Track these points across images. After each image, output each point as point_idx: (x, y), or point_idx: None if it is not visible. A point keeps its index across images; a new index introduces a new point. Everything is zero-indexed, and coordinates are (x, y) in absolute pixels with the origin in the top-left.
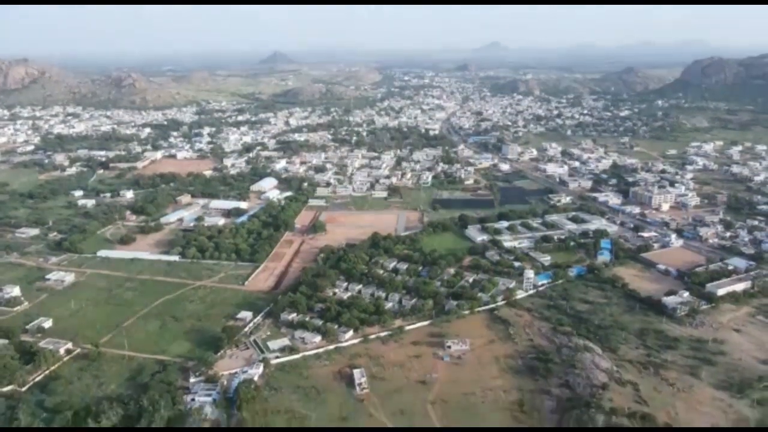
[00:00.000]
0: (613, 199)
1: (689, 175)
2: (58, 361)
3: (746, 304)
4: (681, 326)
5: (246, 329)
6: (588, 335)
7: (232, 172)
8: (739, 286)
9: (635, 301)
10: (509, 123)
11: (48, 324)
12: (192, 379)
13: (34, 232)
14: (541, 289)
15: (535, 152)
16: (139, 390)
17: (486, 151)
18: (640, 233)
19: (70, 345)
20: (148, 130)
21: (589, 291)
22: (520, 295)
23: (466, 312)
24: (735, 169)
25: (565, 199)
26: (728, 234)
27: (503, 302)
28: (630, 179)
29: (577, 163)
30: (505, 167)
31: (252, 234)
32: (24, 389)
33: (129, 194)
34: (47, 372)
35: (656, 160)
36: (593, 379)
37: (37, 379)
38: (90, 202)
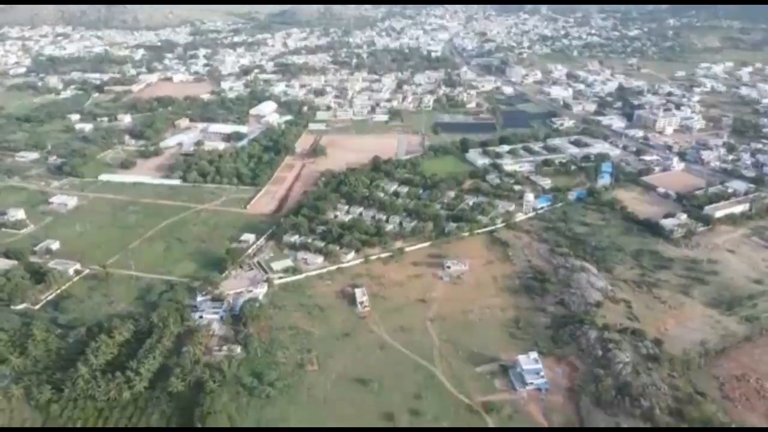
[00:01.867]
0: (617, 123)
1: (696, 98)
2: (67, 281)
3: (742, 226)
4: (676, 247)
5: (249, 251)
6: (585, 256)
7: (230, 95)
8: (737, 209)
9: (633, 224)
10: (514, 44)
11: (55, 246)
12: (199, 298)
13: (34, 156)
14: (540, 211)
15: (539, 75)
16: (149, 308)
17: (489, 73)
18: (641, 157)
19: (78, 266)
20: (141, 51)
21: (588, 214)
22: (520, 217)
23: (466, 234)
24: (743, 91)
25: (568, 123)
26: (730, 157)
27: (502, 224)
28: (635, 102)
29: (582, 86)
30: (508, 90)
31: (253, 158)
32: (37, 307)
33: (126, 118)
34: (58, 291)
35: (664, 82)
36: (588, 298)
37: (49, 297)
38: (87, 126)
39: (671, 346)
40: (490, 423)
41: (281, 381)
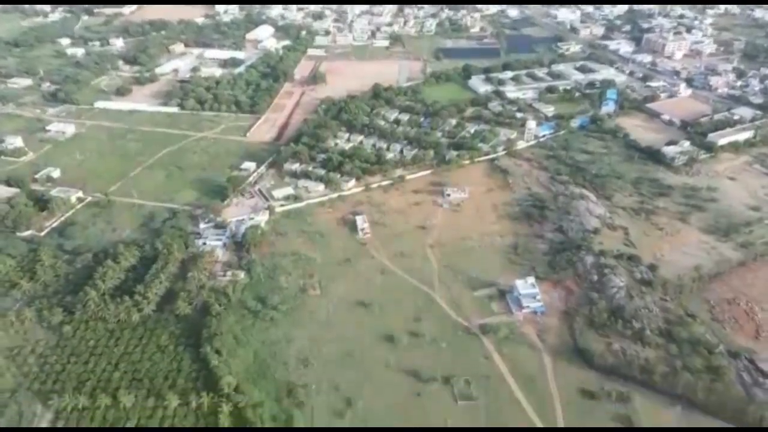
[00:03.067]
0: (625, 47)
1: (708, 20)
2: (71, 209)
3: (745, 153)
4: (677, 175)
5: (250, 179)
6: (584, 184)
7: (225, 19)
8: (742, 136)
9: (635, 151)
10: None
11: (56, 173)
12: (202, 225)
13: (27, 82)
14: (542, 139)
15: None
16: (152, 235)
17: None
18: (648, 83)
19: (80, 193)
20: None
21: (590, 141)
22: (521, 145)
23: (467, 162)
24: (757, 13)
25: (575, 48)
26: (739, 83)
27: (503, 152)
28: (645, 25)
29: (590, 8)
30: (513, 13)
31: (251, 85)
32: (42, 234)
33: (119, 43)
34: (62, 218)
35: (676, 3)
36: (586, 224)
37: (54, 225)
38: (79, 51)
39: (666, 271)
40: (487, 344)
41: (284, 304)
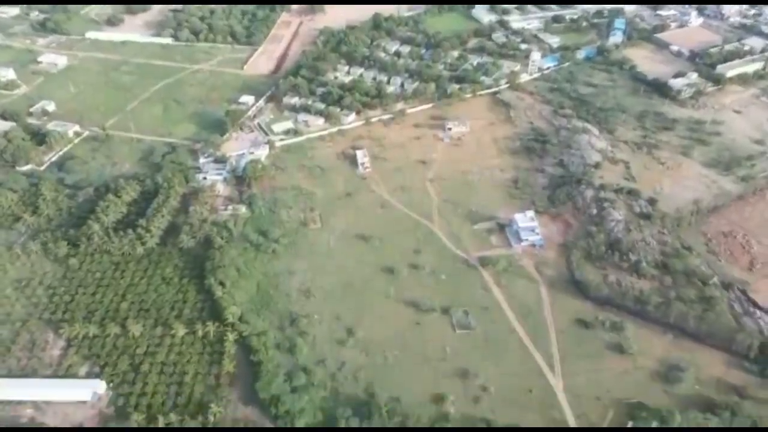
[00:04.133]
0: None
1: None
2: (68, 143)
3: (753, 86)
4: (682, 108)
5: (249, 113)
6: (588, 117)
7: None
8: (751, 67)
9: (641, 84)
10: None
11: (51, 107)
12: (201, 160)
13: (15, 11)
14: (546, 72)
15: None
16: (153, 169)
17: None
18: (657, 11)
19: (77, 127)
20: None
21: (596, 74)
22: (525, 78)
23: (468, 95)
24: None
25: None
26: (752, 12)
27: (506, 85)
28: None
29: None
30: None
31: (246, 15)
32: (42, 168)
33: None
34: (61, 153)
35: None
36: (587, 159)
37: (53, 159)
38: None
39: (665, 205)
40: (485, 276)
41: (286, 237)
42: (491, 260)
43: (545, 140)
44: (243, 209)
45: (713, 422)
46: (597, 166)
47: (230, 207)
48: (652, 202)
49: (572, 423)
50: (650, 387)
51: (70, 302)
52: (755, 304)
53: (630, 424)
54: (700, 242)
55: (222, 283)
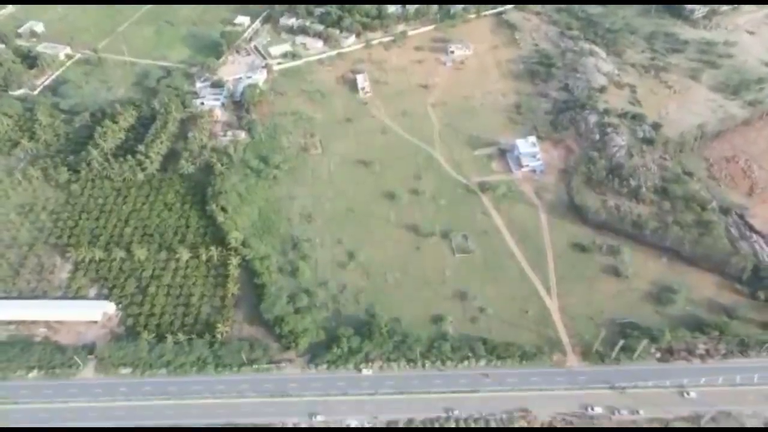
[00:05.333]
0: None
1: None
2: (60, 66)
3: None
4: (694, 29)
5: (245, 35)
6: (595, 39)
7: None
8: None
9: (653, 3)
10: None
11: (40, 28)
12: (198, 84)
13: None
14: None
15: None
16: (148, 94)
17: None
18: None
19: (68, 50)
20: None
21: None
22: None
23: (472, 16)
24: None
25: None
26: None
27: (512, 5)
28: None
29: None
30: None
31: None
32: (36, 92)
33: None
34: (53, 76)
35: None
36: (592, 82)
37: (46, 83)
38: None
39: (669, 130)
40: (485, 201)
41: (286, 163)
42: (491, 185)
43: (550, 63)
44: (242, 135)
45: (701, 340)
46: (602, 90)
47: (229, 133)
48: (656, 127)
49: (566, 341)
50: (643, 308)
51: (74, 227)
52: (752, 228)
53: (621, 343)
54: (702, 167)
55: (224, 209)
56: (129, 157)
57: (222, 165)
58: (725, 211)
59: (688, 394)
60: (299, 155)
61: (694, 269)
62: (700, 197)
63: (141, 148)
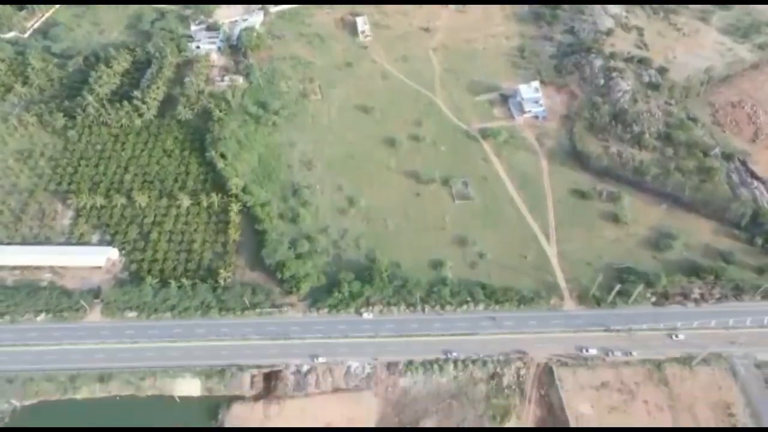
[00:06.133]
0: None
1: None
2: (51, 8)
3: None
4: None
5: None
6: None
7: None
8: None
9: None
10: None
11: None
12: (193, 27)
13: None
14: None
15: None
16: (142, 37)
17: None
18: None
19: None
20: None
21: None
22: None
23: None
24: None
25: None
26: None
27: None
28: None
29: None
30: None
31: None
32: (26, 35)
33: None
34: (43, 19)
35: None
36: (599, 25)
37: (36, 25)
38: None
39: (675, 74)
40: (486, 147)
41: (286, 109)
42: (492, 132)
43: (556, 5)
44: (240, 80)
45: (697, 285)
46: (609, 33)
47: (227, 78)
48: (662, 71)
49: (563, 286)
50: (640, 253)
51: (73, 174)
52: (753, 175)
53: (618, 287)
54: (707, 113)
55: (223, 156)
56: (125, 102)
57: (220, 111)
58: (728, 157)
59: (676, 336)
60: (298, 101)
61: (693, 215)
62: (703, 143)
63: (137, 93)
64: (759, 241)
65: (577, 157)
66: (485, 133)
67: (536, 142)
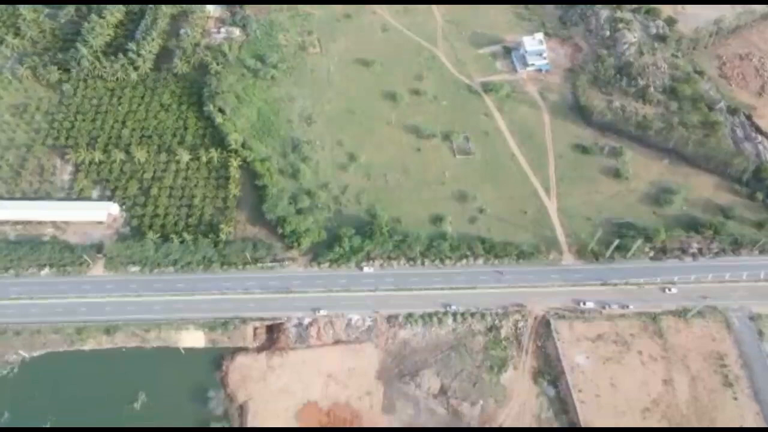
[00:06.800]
0: None
1: None
2: None
3: None
4: None
5: None
6: None
7: None
8: None
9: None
10: None
11: None
12: None
13: None
14: None
15: None
16: None
17: None
18: None
19: None
20: None
21: None
22: None
23: None
24: None
25: None
26: None
27: None
28: None
29: None
30: None
31: None
32: None
33: None
34: None
35: None
36: None
37: None
38: None
39: (684, 25)
40: (488, 102)
41: (284, 63)
42: (495, 86)
43: None
44: (237, 32)
45: (695, 240)
46: None
47: (223, 30)
48: (670, 22)
49: (562, 241)
50: (640, 208)
51: (71, 129)
52: (758, 129)
53: (616, 242)
54: (714, 66)
55: (221, 110)
56: (120, 55)
57: (217, 64)
58: (733, 111)
59: (669, 290)
60: (297, 54)
61: (694, 171)
62: (709, 97)
63: (132, 46)
64: (760, 196)
65: (580, 112)
66: (487, 87)
67: (539, 96)
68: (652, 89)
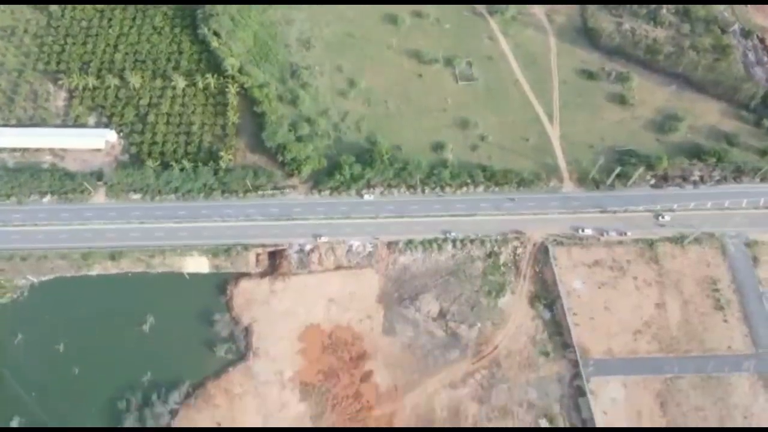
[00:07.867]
0: None
1: None
2: None
3: None
4: None
5: None
6: None
7: None
8: None
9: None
10: None
11: None
12: None
13: None
14: None
15: None
16: None
17: None
18: None
19: None
20: None
21: None
22: None
23: None
24: None
25: None
26: None
27: None
28: None
29: None
30: None
31: None
32: None
33: None
34: None
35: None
36: None
37: None
38: None
39: None
40: (492, 25)
41: None
42: (499, 8)
43: None
44: None
45: (698, 167)
46: None
47: None
48: None
49: (563, 168)
50: (644, 136)
51: (61, 53)
52: None
53: (618, 170)
54: None
55: (217, 33)
56: None
57: None
58: (746, 34)
59: (663, 217)
60: None
61: (701, 97)
62: (723, 19)
63: None
64: (766, 123)
65: (587, 35)
66: (492, 9)
67: (546, 18)
68: (664, 10)
